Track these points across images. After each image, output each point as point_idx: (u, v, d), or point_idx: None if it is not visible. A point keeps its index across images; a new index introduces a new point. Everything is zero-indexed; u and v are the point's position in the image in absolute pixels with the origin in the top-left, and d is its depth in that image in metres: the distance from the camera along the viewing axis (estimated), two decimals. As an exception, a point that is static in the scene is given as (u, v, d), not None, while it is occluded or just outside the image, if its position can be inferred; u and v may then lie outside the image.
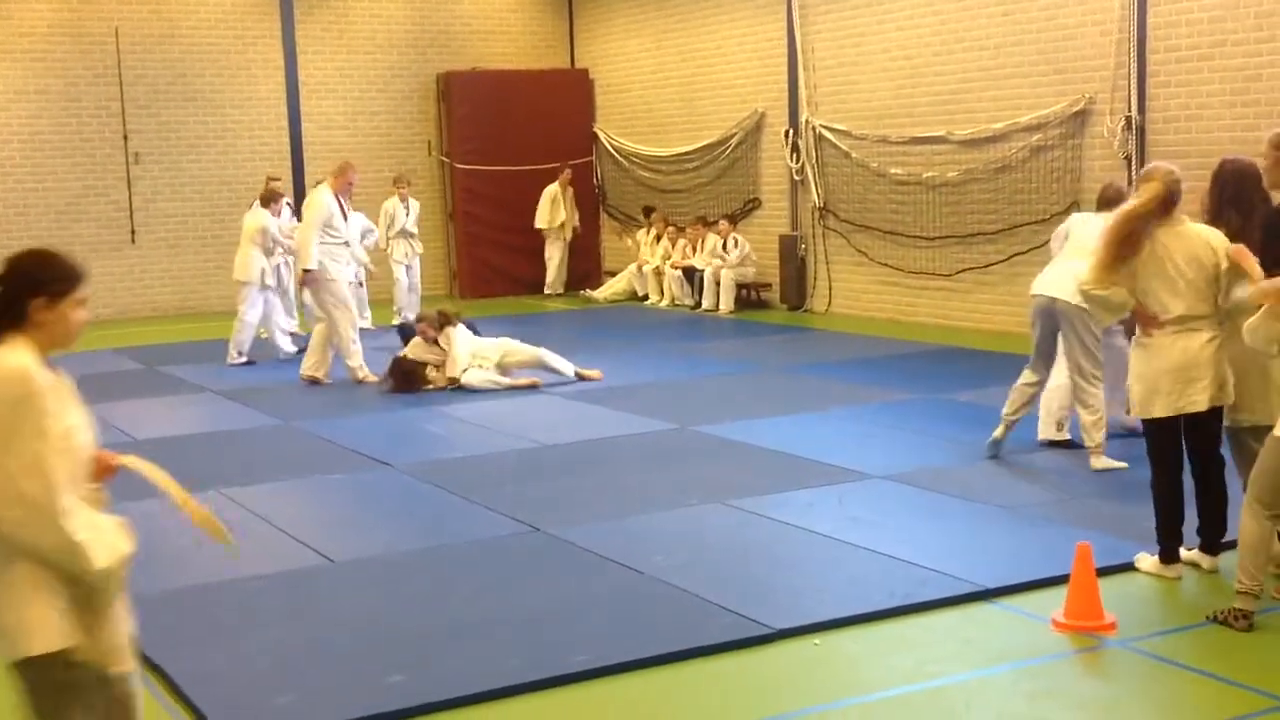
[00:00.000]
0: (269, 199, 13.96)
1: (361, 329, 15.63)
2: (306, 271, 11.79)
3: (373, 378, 11.81)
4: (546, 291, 18.95)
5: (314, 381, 11.93)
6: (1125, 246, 5.91)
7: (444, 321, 11.63)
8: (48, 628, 3.30)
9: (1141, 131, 12.42)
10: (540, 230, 18.95)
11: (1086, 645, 5.33)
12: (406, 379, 11.36)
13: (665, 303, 17.49)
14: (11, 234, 17.50)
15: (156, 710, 4.97)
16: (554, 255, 19.05)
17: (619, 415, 10.10)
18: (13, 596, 3.30)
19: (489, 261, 19.46)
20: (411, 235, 16.26)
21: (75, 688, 3.41)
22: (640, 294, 18.07)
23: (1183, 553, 6.10)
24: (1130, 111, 12.45)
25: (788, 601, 5.81)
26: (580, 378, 11.56)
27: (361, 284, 15.85)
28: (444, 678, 5.08)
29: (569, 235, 19.11)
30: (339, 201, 12.10)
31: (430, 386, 11.37)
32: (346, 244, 12.28)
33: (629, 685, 5.07)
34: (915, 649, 5.32)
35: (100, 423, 11.83)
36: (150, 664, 5.36)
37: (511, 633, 5.58)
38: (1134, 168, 12.36)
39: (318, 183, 13.35)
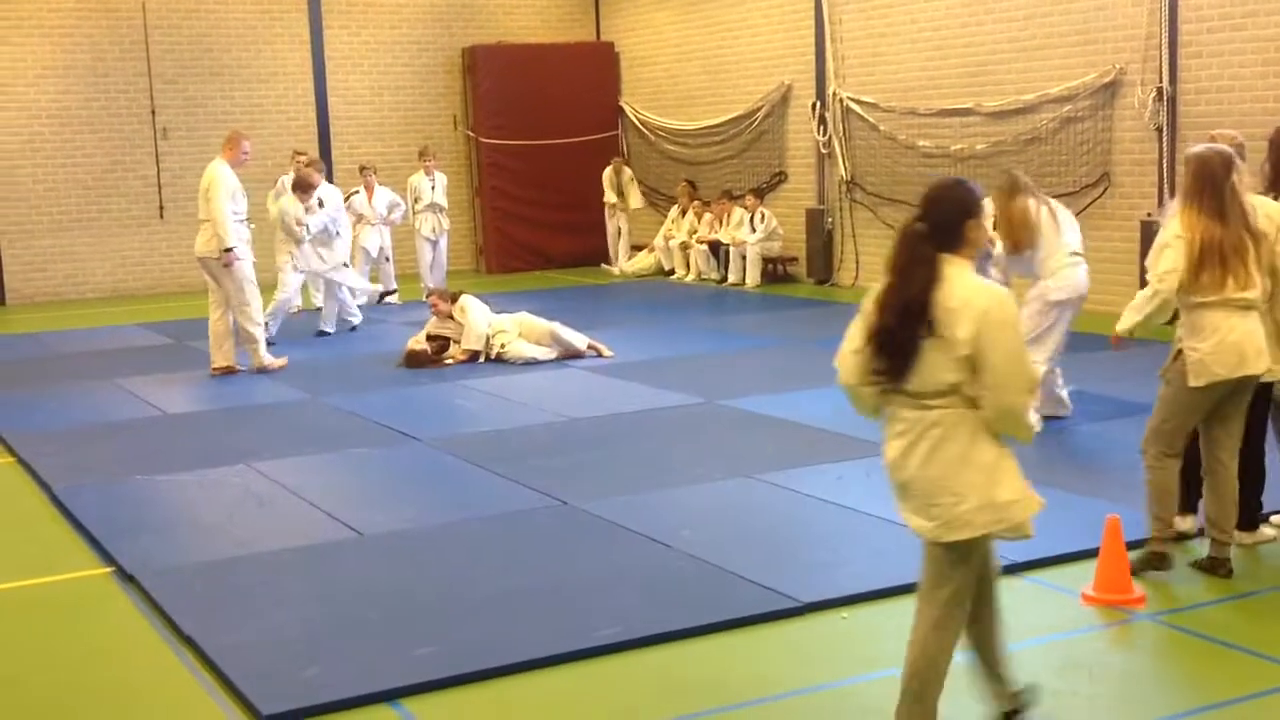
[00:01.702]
0: (301, 186, 13.31)
1: (387, 303, 15.68)
2: (228, 250, 11.05)
3: (277, 363, 11.37)
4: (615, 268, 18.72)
5: (229, 371, 11.28)
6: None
7: (455, 294, 11.67)
8: (1030, 495, 4.00)
9: (1173, 102, 12.30)
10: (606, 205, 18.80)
11: (1116, 619, 5.32)
12: (414, 359, 11.36)
13: (691, 277, 17.45)
14: (40, 209, 17.61)
15: (188, 679, 5.02)
16: (610, 231, 18.87)
17: (645, 389, 10.09)
18: (999, 474, 3.97)
19: (515, 236, 19.44)
20: (440, 209, 16.15)
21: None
22: (666, 269, 18.04)
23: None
24: (1161, 82, 12.33)
25: (815, 575, 5.81)
26: (594, 350, 11.54)
27: (388, 258, 15.87)
28: (472, 650, 5.10)
29: (627, 213, 18.73)
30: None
31: (450, 361, 11.38)
32: (248, 221, 11.61)
33: (657, 658, 5.07)
34: (943, 622, 5.30)
35: (130, 396, 11.76)
36: (182, 635, 5.41)
37: (539, 605, 5.59)
38: (1165, 139, 12.26)
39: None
